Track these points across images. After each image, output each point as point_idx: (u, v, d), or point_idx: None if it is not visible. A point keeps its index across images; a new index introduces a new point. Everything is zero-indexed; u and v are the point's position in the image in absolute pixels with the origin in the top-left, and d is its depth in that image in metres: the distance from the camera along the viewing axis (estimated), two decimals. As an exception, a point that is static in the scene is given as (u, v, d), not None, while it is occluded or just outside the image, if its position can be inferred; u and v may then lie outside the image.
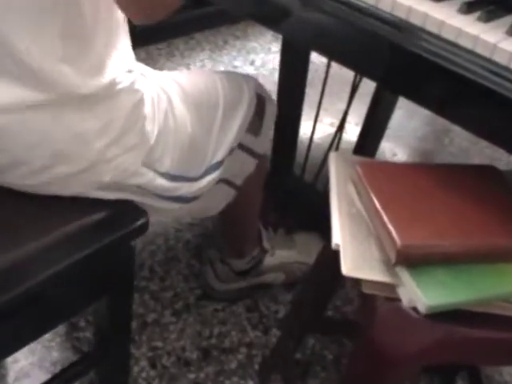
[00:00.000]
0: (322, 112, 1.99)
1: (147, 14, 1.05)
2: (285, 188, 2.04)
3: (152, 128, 1.19)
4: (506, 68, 1.01)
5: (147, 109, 1.18)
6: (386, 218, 1.03)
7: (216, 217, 1.59)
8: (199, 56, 3.04)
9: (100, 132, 1.10)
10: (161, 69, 2.80)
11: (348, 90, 1.80)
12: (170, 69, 2.89)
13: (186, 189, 1.28)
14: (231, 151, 1.37)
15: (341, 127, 1.86)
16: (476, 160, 2.40)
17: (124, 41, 1.17)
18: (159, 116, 1.21)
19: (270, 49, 3.13)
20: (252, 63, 3.00)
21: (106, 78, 1.08)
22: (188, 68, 2.94)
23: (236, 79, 1.45)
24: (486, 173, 1.22)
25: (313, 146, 2.04)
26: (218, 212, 1.51)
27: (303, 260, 1.83)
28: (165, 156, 1.22)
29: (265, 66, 2.97)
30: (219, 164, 1.34)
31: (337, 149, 1.92)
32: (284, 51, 1.92)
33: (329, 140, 1.93)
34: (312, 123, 2.01)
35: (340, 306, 1.85)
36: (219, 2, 1.37)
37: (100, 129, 1.10)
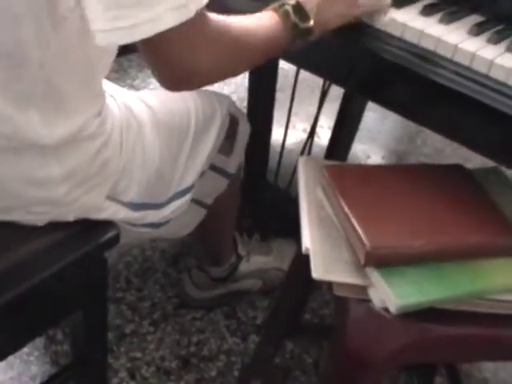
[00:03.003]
0: (294, 118, 2.01)
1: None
2: (259, 194, 2.05)
3: (117, 167, 1.15)
4: (467, 68, 1.04)
5: (112, 150, 1.13)
6: (354, 221, 1.04)
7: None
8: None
9: (63, 178, 1.07)
10: (132, 80, 2.83)
11: (319, 94, 1.81)
12: (141, 80, 2.89)
13: (151, 216, 1.26)
14: (202, 174, 1.34)
15: (312, 133, 1.87)
16: (449, 160, 2.43)
17: (97, 81, 1.11)
18: (127, 147, 1.17)
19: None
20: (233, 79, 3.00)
21: (72, 127, 1.04)
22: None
23: (210, 99, 1.38)
24: (454, 172, 1.24)
25: (286, 152, 2.05)
26: (190, 232, 1.49)
27: (279, 266, 1.84)
28: (129, 187, 1.19)
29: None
30: (188, 190, 1.31)
31: (309, 154, 1.93)
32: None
33: (302, 146, 1.94)
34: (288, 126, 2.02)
35: (317, 309, 1.86)
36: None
37: (63, 175, 1.07)
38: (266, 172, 2.08)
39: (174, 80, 0.95)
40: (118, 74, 2.85)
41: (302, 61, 1.30)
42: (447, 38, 1.06)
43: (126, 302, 1.83)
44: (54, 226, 1.14)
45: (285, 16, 1.03)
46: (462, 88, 1.02)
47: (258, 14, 1.04)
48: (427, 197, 1.13)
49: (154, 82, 2.90)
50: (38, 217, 1.12)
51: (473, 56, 1.03)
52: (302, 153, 1.94)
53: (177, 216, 1.32)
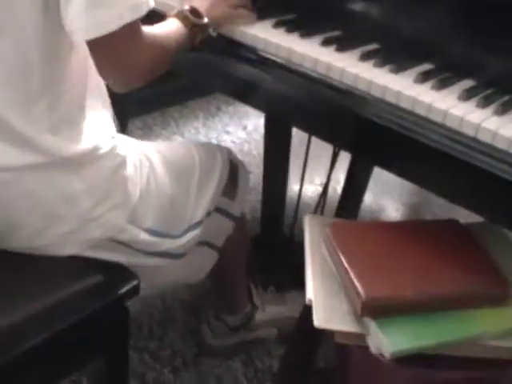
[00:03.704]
0: (311, 172, 2.12)
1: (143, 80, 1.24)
2: (274, 247, 2.15)
3: (134, 189, 1.31)
4: (457, 132, 1.13)
5: (129, 171, 1.30)
6: (352, 274, 1.14)
7: (207, 276, 1.68)
8: (193, 124, 3.18)
9: (86, 193, 1.23)
10: (156, 137, 2.96)
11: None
12: (165, 137, 3.03)
13: (168, 244, 1.39)
14: (209, 214, 1.49)
15: (324, 191, 1.98)
16: (462, 212, 2.49)
17: (105, 112, 1.32)
18: (141, 179, 1.34)
19: (261, 114, 3.25)
20: (244, 128, 3.13)
21: (87, 145, 1.22)
22: (183, 136, 3.07)
23: (210, 148, 1.60)
24: (449, 227, 1.33)
25: (303, 206, 2.15)
26: (206, 275, 1.60)
27: (294, 315, 1.92)
28: (147, 214, 1.34)
29: (257, 130, 3.09)
30: (198, 224, 1.45)
31: (322, 211, 2.03)
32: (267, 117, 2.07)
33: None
34: (303, 183, 2.12)
35: (330, 356, 1.92)
36: (193, 78, 1.52)
37: (86, 190, 1.23)
38: (282, 225, 2.18)
39: (122, 75, 1.23)
40: (143, 131, 3.00)
41: (311, 128, 1.45)
42: (438, 104, 1.15)
43: (148, 350, 1.91)
44: (77, 276, 1.25)
45: (185, 19, 1.33)
46: (452, 151, 1.11)
47: (165, 22, 1.32)
48: (422, 251, 1.23)
49: (177, 139, 3.05)
50: (65, 238, 1.25)
51: (461, 120, 1.12)
52: (315, 209, 2.04)
53: (191, 257, 1.47)
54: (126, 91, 1.25)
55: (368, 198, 2.54)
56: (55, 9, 1.10)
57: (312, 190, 2.54)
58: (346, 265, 1.17)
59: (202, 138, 3.08)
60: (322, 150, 2.07)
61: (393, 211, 2.64)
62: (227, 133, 3.12)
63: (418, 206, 2.71)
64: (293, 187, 2.18)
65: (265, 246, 2.07)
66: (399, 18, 1.37)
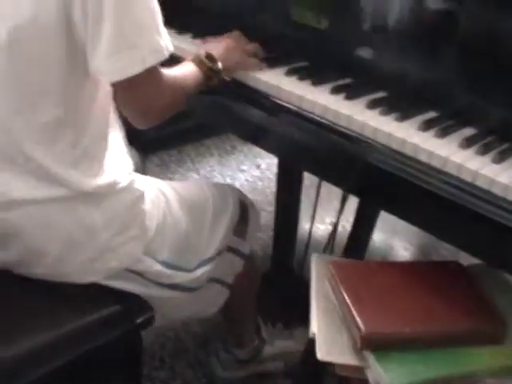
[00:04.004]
0: (322, 212, 2.19)
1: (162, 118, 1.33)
2: (284, 284, 2.21)
3: (151, 223, 1.39)
4: (457, 178, 1.18)
5: (147, 206, 1.39)
6: (353, 309, 1.21)
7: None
8: (209, 162, 3.27)
9: (105, 224, 1.32)
10: (172, 174, 3.04)
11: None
12: (181, 174, 3.11)
13: (181, 277, 1.46)
14: (220, 252, 1.56)
15: (334, 231, 2.05)
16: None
17: (122, 149, 1.41)
18: (158, 214, 1.42)
19: (275, 153, 3.35)
20: (258, 167, 3.21)
21: (107, 179, 1.30)
22: (198, 174, 3.15)
23: (222, 188, 1.68)
24: (449, 268, 1.40)
25: (313, 244, 2.22)
26: (217, 310, 1.66)
27: (301, 349, 1.98)
28: (163, 247, 1.42)
29: (270, 169, 3.17)
30: (210, 260, 1.52)
31: (332, 250, 2.10)
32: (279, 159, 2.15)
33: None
34: (316, 222, 2.21)
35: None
36: (206, 120, 1.61)
37: (105, 221, 1.31)
38: (292, 262, 2.25)
39: (142, 114, 1.30)
40: (160, 168, 3.08)
41: (319, 172, 1.52)
42: (439, 152, 1.21)
43: (160, 379, 1.96)
44: (95, 304, 1.32)
45: (200, 63, 1.42)
46: (451, 196, 1.16)
47: (182, 65, 1.42)
48: (422, 289, 1.30)
49: (193, 176, 3.13)
50: (85, 266, 1.33)
51: (460, 167, 1.18)
52: (325, 247, 2.11)
53: (203, 293, 1.53)
54: (145, 128, 1.34)
55: (377, 238, 2.61)
56: (82, 53, 1.19)
57: (322, 228, 2.61)
58: (348, 300, 1.24)
59: (217, 175, 3.16)
60: (332, 189, 2.14)
61: (401, 251, 2.69)
62: (241, 171, 3.20)
63: (426, 246, 2.76)
64: (304, 225, 2.25)
65: (275, 282, 2.14)
66: (406, 68, 1.44)
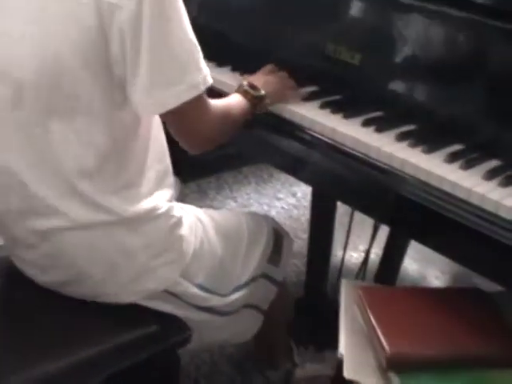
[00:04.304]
0: (354, 239, 2.26)
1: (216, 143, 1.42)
2: (317, 309, 2.27)
3: (188, 248, 1.46)
4: (480, 208, 1.24)
5: (184, 231, 1.45)
6: (379, 332, 1.28)
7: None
8: (246, 189, 3.35)
9: (144, 248, 1.39)
10: (211, 201, 3.12)
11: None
12: (219, 201, 3.19)
13: (216, 301, 1.52)
14: (254, 278, 1.62)
15: (366, 258, 2.12)
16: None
17: (165, 177, 1.47)
18: (195, 240, 1.48)
19: (310, 182, 3.41)
20: (294, 195, 3.28)
21: (147, 206, 1.37)
22: (235, 201, 3.23)
23: (257, 218, 1.75)
24: (472, 294, 1.45)
25: (346, 270, 2.29)
26: (252, 335, 1.72)
27: (332, 372, 2.03)
28: (199, 271, 1.48)
29: (306, 197, 3.22)
30: (244, 286, 1.58)
31: (363, 276, 2.16)
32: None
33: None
34: (349, 248, 2.28)
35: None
36: (242, 151, 1.69)
37: (144, 245, 1.39)
38: (325, 288, 2.31)
39: (191, 141, 1.38)
40: (198, 194, 3.17)
41: (350, 202, 1.61)
42: (463, 183, 1.27)
43: (195, 400, 2.03)
44: (134, 323, 1.40)
45: (244, 92, 1.52)
46: (475, 225, 1.22)
47: (229, 96, 1.51)
48: (446, 314, 1.35)
49: (230, 204, 3.21)
50: (125, 288, 1.40)
51: (483, 198, 1.24)
52: (357, 274, 2.18)
53: (239, 318, 1.60)
54: (196, 153, 1.42)
55: (410, 266, 2.66)
56: (121, 88, 1.26)
57: (355, 255, 2.67)
58: (374, 323, 1.30)
59: (254, 203, 3.24)
60: (365, 217, 2.21)
61: (433, 279, 2.73)
62: (278, 199, 3.27)
63: (457, 274, 2.79)
64: (337, 252, 2.31)
65: (308, 307, 2.20)
66: (434, 102, 1.51)
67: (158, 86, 1.24)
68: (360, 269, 2.16)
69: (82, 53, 1.20)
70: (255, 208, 3.20)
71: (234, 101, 1.50)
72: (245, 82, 1.54)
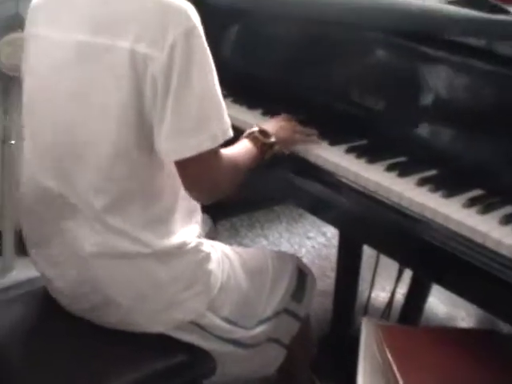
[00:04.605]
0: (380, 278, 2.32)
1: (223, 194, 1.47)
2: (342, 347, 2.31)
3: (215, 282, 1.52)
4: (495, 253, 1.28)
5: (212, 266, 1.52)
6: (396, 370, 1.32)
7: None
8: (277, 228, 3.42)
9: (173, 280, 1.45)
10: (242, 239, 3.19)
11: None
12: (250, 239, 3.27)
13: (241, 334, 1.58)
14: (278, 313, 1.67)
15: (391, 298, 2.17)
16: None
17: (194, 213, 1.55)
18: (222, 275, 1.55)
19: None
20: (324, 234, 3.34)
21: (176, 240, 1.45)
22: (267, 239, 3.30)
23: (282, 256, 1.81)
24: (492, 337, 1.49)
25: (372, 309, 2.33)
26: (275, 369, 1.76)
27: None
28: (225, 305, 1.54)
29: (335, 237, 3.22)
30: (268, 320, 1.64)
31: (388, 315, 2.20)
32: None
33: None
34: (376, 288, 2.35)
35: None
36: (269, 193, 1.75)
37: (173, 278, 1.45)
38: (351, 326, 2.35)
39: (200, 190, 1.44)
40: (230, 232, 3.25)
41: (373, 244, 1.63)
42: (480, 227, 1.31)
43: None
44: (161, 353, 1.47)
45: (254, 139, 1.56)
46: (491, 269, 1.26)
47: (238, 143, 1.54)
48: (463, 355, 1.40)
49: (261, 242, 3.28)
50: (153, 317, 1.47)
51: (499, 242, 1.27)
52: (382, 313, 2.22)
53: (262, 352, 1.65)
54: (205, 203, 1.51)
55: (436, 306, 2.69)
56: (150, 134, 1.35)
57: (383, 295, 2.71)
58: (392, 361, 1.35)
59: (285, 242, 3.30)
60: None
61: (458, 320, 2.74)
62: (308, 238, 3.34)
63: (483, 316, 2.80)
64: (363, 291, 2.36)
65: (332, 344, 2.24)
66: (456, 148, 1.57)
67: (180, 134, 1.32)
68: (385, 308, 2.20)
69: (118, 100, 1.32)
70: (286, 246, 3.26)
71: (243, 149, 1.54)
72: (256, 128, 1.59)
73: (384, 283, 2.73)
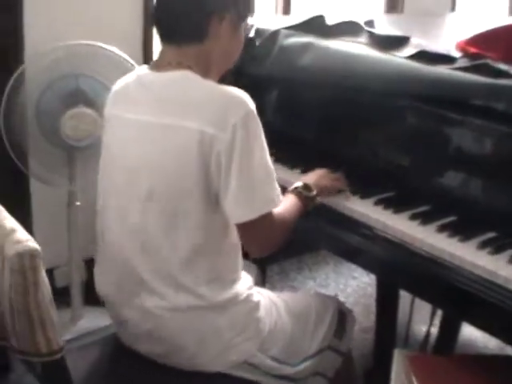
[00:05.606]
0: (417, 314, 2.50)
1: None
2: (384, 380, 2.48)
3: (264, 327, 1.71)
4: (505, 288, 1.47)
5: (261, 313, 1.71)
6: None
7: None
8: (324, 270, 3.60)
9: (229, 328, 1.65)
10: (291, 281, 3.38)
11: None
12: (299, 282, 3.45)
13: (288, 370, 1.76)
14: (321, 350, 1.84)
15: (428, 331, 2.35)
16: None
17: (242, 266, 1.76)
18: (270, 320, 1.73)
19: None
20: (368, 274, 3.47)
21: (231, 293, 1.65)
22: (315, 281, 3.48)
23: (323, 299, 1.99)
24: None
25: (412, 341, 2.51)
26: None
27: None
28: (273, 346, 1.73)
29: (378, 277, 3.44)
30: (312, 356, 1.81)
31: (426, 346, 2.38)
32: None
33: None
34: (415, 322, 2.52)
35: None
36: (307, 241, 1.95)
37: (228, 325, 1.65)
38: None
39: (257, 246, 1.67)
40: (279, 276, 3.43)
41: (404, 286, 1.84)
42: (489, 266, 1.51)
43: None
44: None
45: (298, 194, 1.77)
46: (501, 303, 1.45)
47: (285, 200, 1.69)
48: (487, 381, 1.53)
49: (310, 283, 3.46)
50: (213, 359, 1.67)
51: (506, 279, 1.46)
52: (421, 346, 2.40)
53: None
54: (259, 256, 1.73)
55: (473, 334, 2.83)
56: (216, 200, 1.58)
57: (423, 329, 2.85)
58: (418, 387, 1.53)
59: (332, 282, 3.48)
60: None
61: (495, 348, 2.80)
62: (353, 278, 3.51)
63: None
64: (403, 325, 2.54)
65: (376, 378, 2.40)
66: (476, 196, 1.76)
67: (243, 200, 1.55)
68: (423, 340, 2.38)
69: (190, 175, 1.55)
70: (332, 287, 3.43)
71: (290, 205, 1.73)
72: (299, 184, 1.80)
73: (426, 315, 2.88)
